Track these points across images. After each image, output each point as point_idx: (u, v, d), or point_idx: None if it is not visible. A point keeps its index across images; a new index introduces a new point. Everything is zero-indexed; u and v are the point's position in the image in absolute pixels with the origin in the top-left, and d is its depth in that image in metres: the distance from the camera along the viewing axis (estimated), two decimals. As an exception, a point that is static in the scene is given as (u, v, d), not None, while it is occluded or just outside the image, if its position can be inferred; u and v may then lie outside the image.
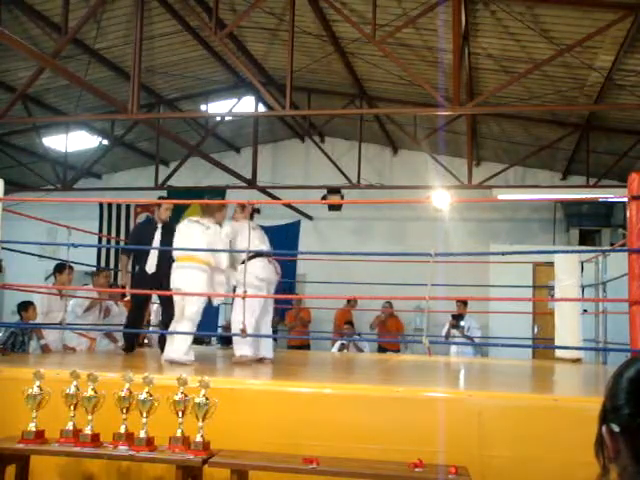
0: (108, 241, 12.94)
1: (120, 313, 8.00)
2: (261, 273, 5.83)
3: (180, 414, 3.64)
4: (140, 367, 5.44)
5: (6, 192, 6.06)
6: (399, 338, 11.02)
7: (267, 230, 6.49)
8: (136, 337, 7.32)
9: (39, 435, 3.70)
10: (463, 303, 9.67)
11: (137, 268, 6.76)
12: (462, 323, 9.62)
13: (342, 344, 9.84)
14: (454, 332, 9.60)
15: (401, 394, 3.99)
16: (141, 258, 6.64)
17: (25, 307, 6.90)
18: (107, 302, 8.06)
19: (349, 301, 10.65)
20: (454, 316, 9.65)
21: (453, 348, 9.73)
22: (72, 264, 7.38)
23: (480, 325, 9.98)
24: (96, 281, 8.08)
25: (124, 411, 3.70)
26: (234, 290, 5.96)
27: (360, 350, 9.89)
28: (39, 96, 10.52)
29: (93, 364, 5.75)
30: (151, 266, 6.51)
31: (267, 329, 6.13)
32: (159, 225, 6.73)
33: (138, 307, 6.91)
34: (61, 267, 7.48)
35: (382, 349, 10.88)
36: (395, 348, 10.96)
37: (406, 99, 10.56)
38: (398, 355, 10.08)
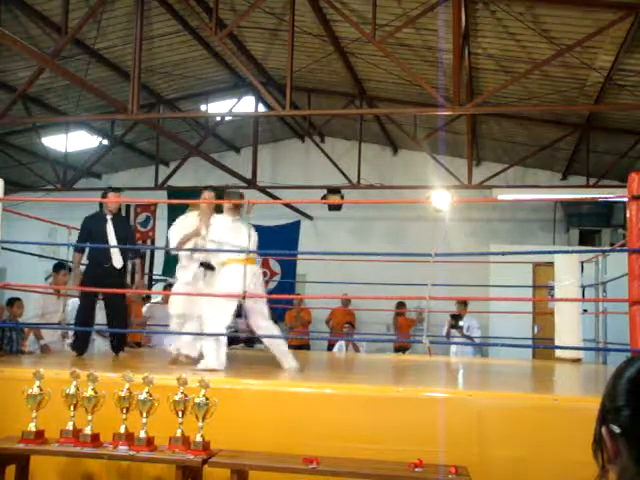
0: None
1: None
2: None
3: (180, 414, 3.64)
4: (140, 367, 5.44)
5: (6, 192, 6.06)
6: (399, 338, 11.05)
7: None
8: (123, 337, 6.81)
9: (39, 435, 3.70)
10: (463, 303, 9.68)
11: (92, 264, 6.37)
12: (461, 323, 9.62)
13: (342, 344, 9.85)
14: (453, 332, 9.61)
15: (401, 394, 3.99)
16: (99, 253, 6.29)
17: (11, 303, 6.89)
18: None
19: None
20: (453, 316, 9.66)
21: (453, 348, 9.74)
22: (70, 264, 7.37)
23: (480, 325, 9.97)
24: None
25: (124, 411, 3.70)
26: None
27: (357, 350, 9.90)
28: (39, 96, 10.52)
29: (93, 364, 5.75)
30: (117, 261, 6.27)
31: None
32: (109, 217, 6.43)
33: (90, 304, 6.41)
34: (57, 267, 7.47)
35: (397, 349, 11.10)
36: (405, 346, 11.04)
37: (406, 99, 10.56)
38: (398, 355, 10.09)
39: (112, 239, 6.34)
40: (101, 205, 6.60)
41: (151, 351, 8.05)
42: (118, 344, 6.58)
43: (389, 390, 4.10)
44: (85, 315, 6.37)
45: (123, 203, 12.80)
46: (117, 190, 6.81)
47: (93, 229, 6.42)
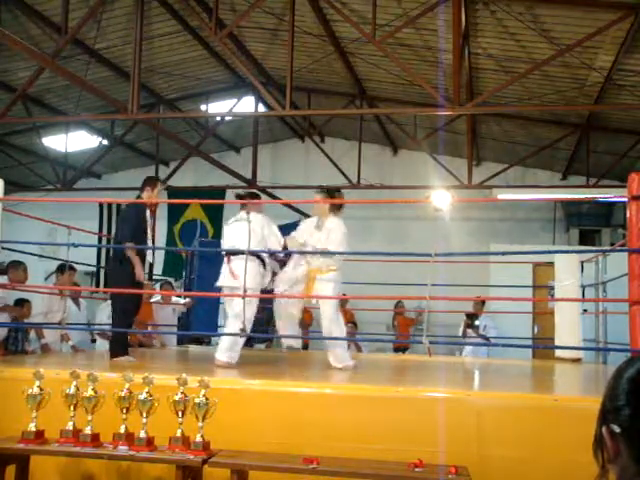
0: (108, 241, 12.92)
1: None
2: None
3: (180, 414, 3.63)
4: (140, 367, 5.44)
5: (6, 192, 6.06)
6: (399, 337, 11.06)
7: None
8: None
9: (39, 435, 3.70)
10: (481, 303, 9.62)
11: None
12: (477, 322, 9.57)
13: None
14: (469, 332, 9.55)
15: (401, 394, 3.99)
16: (140, 246, 5.73)
17: (20, 304, 6.90)
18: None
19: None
20: (468, 315, 9.61)
21: (467, 348, 9.70)
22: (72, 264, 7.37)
23: (496, 324, 9.87)
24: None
25: (124, 411, 3.70)
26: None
27: (360, 349, 9.90)
28: (39, 96, 10.52)
29: (93, 364, 5.75)
30: (150, 255, 5.99)
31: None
32: (149, 210, 6.06)
33: (138, 305, 5.98)
34: (62, 267, 7.48)
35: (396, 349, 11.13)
36: (404, 346, 11.06)
37: (406, 99, 10.56)
38: (398, 355, 10.09)
39: (150, 234, 5.98)
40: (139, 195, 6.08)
41: (157, 351, 8.04)
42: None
43: (389, 390, 4.10)
44: (130, 318, 5.87)
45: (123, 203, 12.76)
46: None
47: (140, 221, 5.81)
